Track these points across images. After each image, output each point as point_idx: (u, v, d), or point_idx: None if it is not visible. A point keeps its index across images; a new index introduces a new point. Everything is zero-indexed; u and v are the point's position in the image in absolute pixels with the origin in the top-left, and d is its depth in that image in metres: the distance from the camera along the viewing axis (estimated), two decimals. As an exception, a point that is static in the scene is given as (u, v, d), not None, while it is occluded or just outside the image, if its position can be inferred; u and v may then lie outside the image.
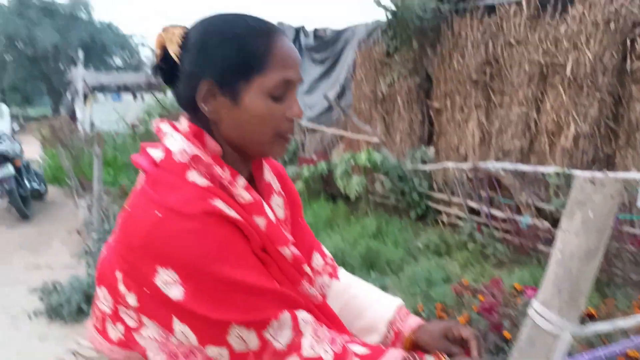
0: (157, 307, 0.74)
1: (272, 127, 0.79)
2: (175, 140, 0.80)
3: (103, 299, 0.82)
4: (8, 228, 5.95)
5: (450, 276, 3.74)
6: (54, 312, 3.47)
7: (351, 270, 2.84)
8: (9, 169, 6.03)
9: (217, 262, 0.71)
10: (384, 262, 3.96)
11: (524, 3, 5.04)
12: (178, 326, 0.73)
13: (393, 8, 5.83)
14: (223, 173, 0.79)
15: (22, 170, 6.49)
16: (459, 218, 4.91)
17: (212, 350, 0.73)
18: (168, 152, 0.79)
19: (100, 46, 26.06)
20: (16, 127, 8.02)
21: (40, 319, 3.50)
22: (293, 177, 5.34)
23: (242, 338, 0.72)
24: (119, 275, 0.77)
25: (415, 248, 4.50)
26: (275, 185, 0.94)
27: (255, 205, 0.81)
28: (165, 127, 0.83)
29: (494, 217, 4.50)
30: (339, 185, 5.47)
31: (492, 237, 4.28)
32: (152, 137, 0.85)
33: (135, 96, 17.50)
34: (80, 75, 14.77)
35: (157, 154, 0.80)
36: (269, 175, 0.93)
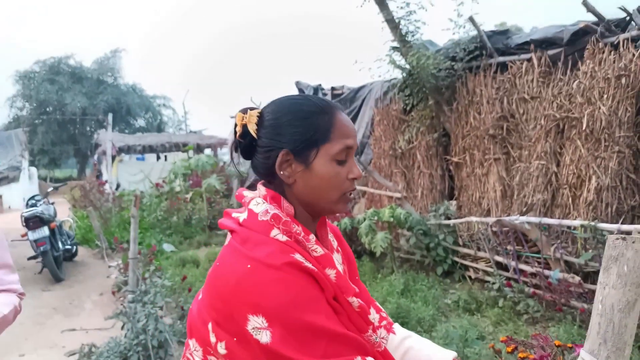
0: (246, 354, 0.84)
1: (337, 187, 0.95)
2: (258, 203, 0.96)
3: (194, 350, 0.94)
4: (42, 290, 6.09)
5: (484, 334, 3.71)
6: (92, 377, 3.53)
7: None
8: (45, 231, 6.26)
9: (301, 308, 0.82)
10: (415, 320, 3.95)
11: (534, 60, 5.26)
12: None
13: (408, 67, 6.11)
14: (298, 230, 0.93)
15: (56, 232, 6.73)
16: (487, 273, 4.90)
17: None
18: (252, 213, 0.95)
19: (125, 108, 27.17)
20: (50, 189, 8.35)
21: (79, 384, 3.56)
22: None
23: None
24: (210, 326, 0.88)
25: (445, 305, 4.48)
26: (334, 243, 1.08)
27: (326, 258, 0.95)
28: (247, 193, 1.00)
29: (522, 272, 4.49)
30: (364, 242, 5.53)
31: (523, 292, 4.25)
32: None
33: (158, 157, 18.09)
34: (108, 137, 15.40)
35: (241, 216, 0.96)
36: (330, 234, 1.07)
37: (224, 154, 17.30)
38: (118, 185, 14.55)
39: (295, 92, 10.53)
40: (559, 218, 4.61)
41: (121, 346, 3.54)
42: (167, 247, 7.54)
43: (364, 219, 5.63)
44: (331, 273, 0.93)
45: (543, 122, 5.05)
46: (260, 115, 0.98)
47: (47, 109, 26.03)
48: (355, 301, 0.95)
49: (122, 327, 4.03)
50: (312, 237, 0.95)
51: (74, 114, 24.75)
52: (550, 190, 4.97)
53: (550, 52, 5.24)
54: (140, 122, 29.81)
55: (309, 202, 0.97)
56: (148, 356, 3.43)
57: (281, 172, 0.94)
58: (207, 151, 17.63)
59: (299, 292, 0.84)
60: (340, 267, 1.00)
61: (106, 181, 13.53)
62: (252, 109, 1.00)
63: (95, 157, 19.05)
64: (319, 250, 0.94)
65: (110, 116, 15.71)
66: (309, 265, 0.88)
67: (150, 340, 3.45)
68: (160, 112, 30.80)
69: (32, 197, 7.17)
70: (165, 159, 17.62)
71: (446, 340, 3.38)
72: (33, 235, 6.29)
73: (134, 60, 77.43)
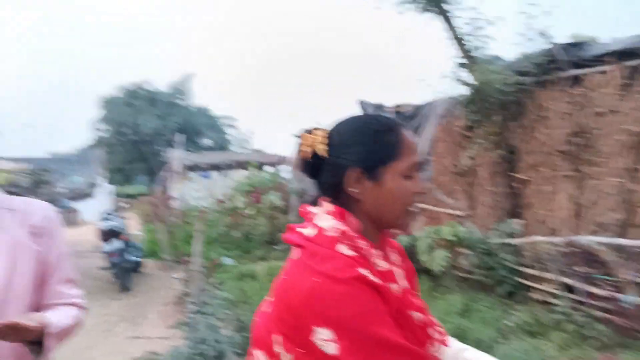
0: None
1: (405, 202, 0.98)
2: (325, 219, 0.97)
3: None
4: (111, 299, 6.41)
5: (546, 358, 3.47)
6: (153, 383, 3.63)
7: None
8: (117, 244, 6.64)
9: (367, 321, 0.84)
10: (473, 341, 3.76)
11: (616, 72, 4.93)
12: None
13: (474, 83, 5.95)
14: (364, 245, 0.95)
15: (126, 244, 7.10)
16: (552, 295, 4.60)
17: None
18: (320, 229, 0.96)
19: (193, 129, 28.56)
20: (125, 205, 8.88)
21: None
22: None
23: None
24: (275, 337, 0.90)
25: (506, 327, 4.25)
26: (396, 258, 1.08)
27: (390, 273, 0.97)
28: (312, 209, 1.02)
29: (591, 295, 4.17)
30: (422, 260, 5.37)
31: (591, 316, 3.96)
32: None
33: (222, 174, 18.75)
34: (176, 156, 16.20)
35: (307, 231, 0.97)
36: (392, 250, 1.08)
37: (283, 171, 17.66)
38: (183, 202, 15.18)
39: (359, 110, 10.60)
40: (634, 239, 4.24)
41: (182, 355, 3.63)
42: (227, 260, 7.72)
43: (423, 237, 5.48)
44: (394, 287, 0.95)
45: (620, 137, 4.72)
46: (328, 135, 1.02)
47: (124, 131, 27.88)
48: (417, 315, 0.98)
49: (184, 337, 4.14)
50: (376, 252, 0.97)
51: (147, 135, 26.32)
52: (626, 209, 4.61)
53: (630, 63, 4.90)
54: (207, 141, 31.12)
55: (376, 218, 0.99)
56: (206, 366, 3.49)
57: (350, 189, 0.97)
58: (268, 168, 18.07)
59: (365, 305, 0.86)
60: (402, 283, 1.02)
61: (172, 197, 14.16)
62: (316, 129, 1.03)
63: (164, 174, 20.05)
64: (384, 265, 0.97)
65: (180, 136, 16.55)
66: (375, 279, 0.90)
67: (209, 351, 3.51)
68: (225, 132, 32.01)
69: (107, 212, 7.64)
70: (228, 177, 18.24)
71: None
72: (106, 247, 6.68)
73: (203, 83, 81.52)
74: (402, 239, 5.79)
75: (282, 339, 0.89)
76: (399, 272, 1.04)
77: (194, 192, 15.44)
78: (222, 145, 30.75)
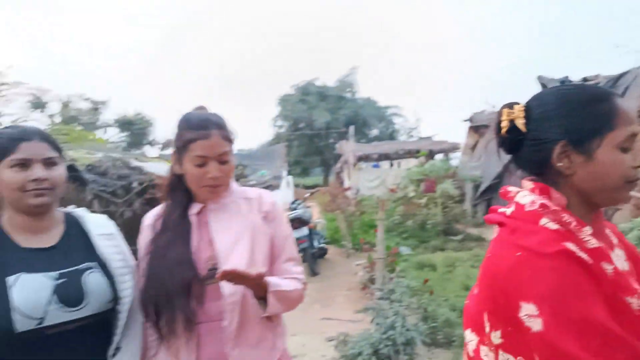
0: (519, 342, 0.84)
1: (623, 176, 0.91)
2: (525, 195, 0.96)
3: (469, 341, 0.99)
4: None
5: None
6: (348, 362, 3.93)
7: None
8: (305, 231, 7.29)
9: (575, 299, 0.79)
10: None
11: None
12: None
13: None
14: (569, 220, 0.90)
15: (312, 231, 7.74)
16: None
17: None
18: (519, 205, 0.95)
19: (362, 120, 29.48)
20: (306, 194, 9.66)
21: (338, 368, 4.01)
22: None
23: None
24: (485, 315, 0.92)
25: None
26: (614, 238, 1.00)
27: (602, 252, 0.88)
28: (513, 189, 1.00)
29: None
30: None
31: None
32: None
33: (391, 163, 18.99)
34: (350, 148, 16.96)
35: (507, 210, 0.97)
36: (607, 229, 1.00)
37: (455, 158, 17.08)
38: (357, 191, 15.82)
39: (538, 87, 9.69)
40: None
41: (372, 338, 3.84)
42: (404, 250, 7.84)
43: (631, 229, 4.79)
44: (608, 268, 0.87)
45: None
46: (528, 109, 0.98)
47: (299, 126, 30.18)
48: (635, 302, 0.86)
49: (372, 321, 4.37)
50: (586, 228, 0.91)
51: (320, 129, 28.05)
52: None
53: None
54: (374, 132, 31.79)
55: (589, 193, 0.94)
56: (396, 351, 3.64)
57: (559, 164, 0.93)
58: (439, 156, 17.68)
59: (572, 281, 0.81)
60: (620, 264, 0.93)
61: (349, 187, 14.87)
62: (515, 103, 1.00)
63: (338, 165, 21.11)
64: (594, 242, 0.89)
65: (352, 128, 17.28)
66: (583, 255, 0.84)
67: (398, 337, 3.65)
68: (392, 121, 32.27)
69: (294, 202, 8.41)
70: (399, 166, 18.38)
71: None
72: (295, 234, 7.38)
73: (368, 75, 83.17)
74: None
75: (489, 317, 0.90)
76: (618, 253, 0.96)
77: (367, 182, 15.98)
78: (390, 135, 31.10)
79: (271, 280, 1.43)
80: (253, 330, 1.46)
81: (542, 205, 0.92)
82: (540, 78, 9.56)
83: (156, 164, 7.47)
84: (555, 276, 0.81)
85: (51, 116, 24.52)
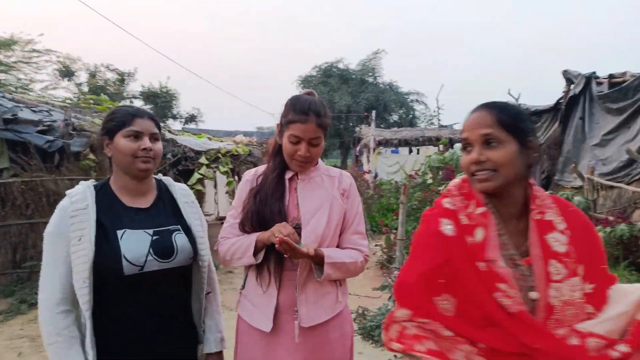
0: None
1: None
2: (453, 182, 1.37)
3: None
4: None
5: None
6: (367, 334, 4.22)
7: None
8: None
9: (419, 250, 1.29)
10: None
11: None
12: None
13: None
14: (460, 204, 1.27)
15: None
16: None
17: None
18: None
19: (382, 105, 29.40)
20: None
21: (356, 338, 4.29)
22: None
23: None
24: None
25: None
26: (561, 225, 1.21)
27: (468, 228, 1.22)
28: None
29: None
30: None
31: None
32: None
33: (410, 150, 19.06)
34: (371, 132, 17.08)
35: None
36: (553, 216, 1.22)
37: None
38: (376, 175, 16.01)
39: (562, 82, 9.67)
40: None
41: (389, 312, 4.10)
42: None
43: None
44: (469, 240, 1.20)
45: None
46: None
47: (320, 108, 30.13)
48: (482, 265, 1.17)
49: (389, 299, 4.64)
50: (469, 211, 1.25)
51: (341, 112, 28.10)
52: None
53: None
54: (395, 117, 31.72)
55: None
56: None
57: None
58: (458, 145, 17.67)
59: (419, 240, 1.32)
60: (559, 247, 1.17)
61: (368, 171, 15.04)
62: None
63: (357, 149, 21.31)
64: (465, 221, 1.24)
65: (373, 113, 17.35)
66: (445, 228, 1.24)
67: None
68: (413, 108, 32.12)
69: None
70: (418, 152, 18.46)
71: None
72: None
73: (391, 59, 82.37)
74: (620, 228, 5.21)
75: None
76: (556, 236, 1.18)
77: (386, 166, 16.14)
78: (410, 121, 30.99)
79: (328, 252, 1.70)
80: (320, 283, 1.75)
81: (448, 190, 1.30)
82: (565, 72, 9.54)
83: (188, 138, 7.76)
84: (420, 233, 1.29)
85: (79, 85, 25.04)
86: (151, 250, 1.52)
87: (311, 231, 1.71)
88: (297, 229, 1.71)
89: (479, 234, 1.20)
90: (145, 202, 1.63)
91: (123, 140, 1.56)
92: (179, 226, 1.63)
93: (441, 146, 15.39)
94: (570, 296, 1.14)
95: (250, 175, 1.89)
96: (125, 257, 1.47)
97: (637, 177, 7.02)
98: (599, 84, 8.78)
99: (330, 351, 1.77)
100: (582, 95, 8.97)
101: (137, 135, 1.56)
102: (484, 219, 1.22)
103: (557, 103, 9.79)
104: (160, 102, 27.38)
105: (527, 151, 1.23)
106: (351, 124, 29.60)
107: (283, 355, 1.72)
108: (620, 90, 8.21)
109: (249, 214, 1.77)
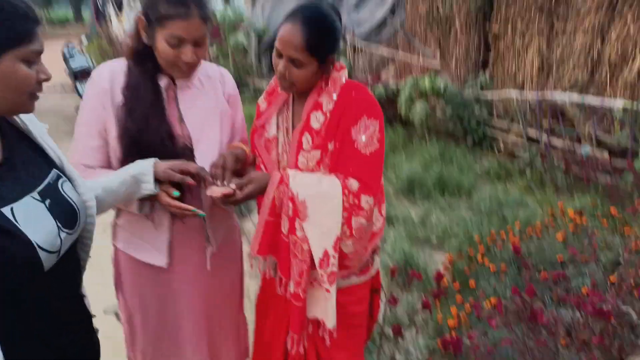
0: None
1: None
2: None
3: None
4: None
5: (512, 200, 3.91)
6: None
7: (427, 192, 4.04)
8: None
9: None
10: (455, 186, 4.19)
11: None
12: None
13: None
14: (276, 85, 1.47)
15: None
16: (516, 145, 4.82)
17: None
18: None
19: None
20: (85, 42, 8.99)
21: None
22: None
23: None
24: None
25: (475, 173, 4.59)
26: (328, 106, 1.37)
27: (270, 103, 1.49)
28: None
29: (552, 146, 4.43)
30: (401, 110, 5.32)
31: (552, 165, 4.21)
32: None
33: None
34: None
35: None
36: (326, 97, 1.38)
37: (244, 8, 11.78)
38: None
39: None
40: (593, 95, 4.38)
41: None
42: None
43: (403, 88, 5.36)
44: (262, 105, 1.50)
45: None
46: None
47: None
48: (267, 133, 1.47)
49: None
50: (280, 92, 1.46)
51: None
52: (589, 67, 4.61)
53: None
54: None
55: None
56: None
57: None
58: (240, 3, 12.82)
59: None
60: (315, 124, 1.37)
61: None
62: None
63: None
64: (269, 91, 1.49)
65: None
66: (262, 99, 1.52)
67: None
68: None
69: (67, 45, 7.25)
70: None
71: (486, 202, 3.76)
72: (81, 88, 6.51)
73: None
74: (378, 90, 5.57)
75: None
76: (317, 115, 1.37)
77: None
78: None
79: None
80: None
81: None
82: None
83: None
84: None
85: None
86: (58, 223, 0.96)
87: (205, 152, 1.41)
88: (187, 151, 1.41)
89: (266, 108, 1.49)
90: None
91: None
92: (55, 170, 1.03)
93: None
94: (311, 165, 1.38)
95: (105, 81, 1.37)
96: (38, 246, 0.90)
97: (385, 39, 7.34)
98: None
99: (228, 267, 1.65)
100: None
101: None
102: (275, 98, 1.47)
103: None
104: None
105: (326, 66, 1.37)
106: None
107: (186, 288, 1.52)
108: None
109: (126, 139, 1.35)
